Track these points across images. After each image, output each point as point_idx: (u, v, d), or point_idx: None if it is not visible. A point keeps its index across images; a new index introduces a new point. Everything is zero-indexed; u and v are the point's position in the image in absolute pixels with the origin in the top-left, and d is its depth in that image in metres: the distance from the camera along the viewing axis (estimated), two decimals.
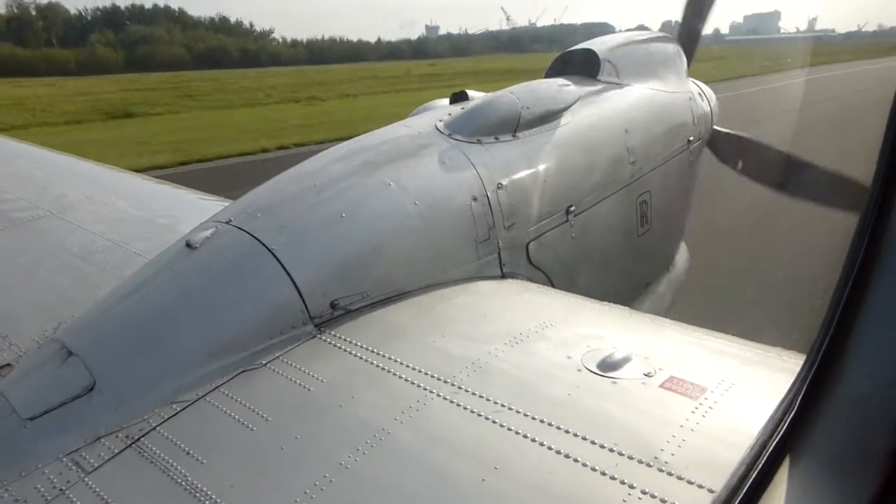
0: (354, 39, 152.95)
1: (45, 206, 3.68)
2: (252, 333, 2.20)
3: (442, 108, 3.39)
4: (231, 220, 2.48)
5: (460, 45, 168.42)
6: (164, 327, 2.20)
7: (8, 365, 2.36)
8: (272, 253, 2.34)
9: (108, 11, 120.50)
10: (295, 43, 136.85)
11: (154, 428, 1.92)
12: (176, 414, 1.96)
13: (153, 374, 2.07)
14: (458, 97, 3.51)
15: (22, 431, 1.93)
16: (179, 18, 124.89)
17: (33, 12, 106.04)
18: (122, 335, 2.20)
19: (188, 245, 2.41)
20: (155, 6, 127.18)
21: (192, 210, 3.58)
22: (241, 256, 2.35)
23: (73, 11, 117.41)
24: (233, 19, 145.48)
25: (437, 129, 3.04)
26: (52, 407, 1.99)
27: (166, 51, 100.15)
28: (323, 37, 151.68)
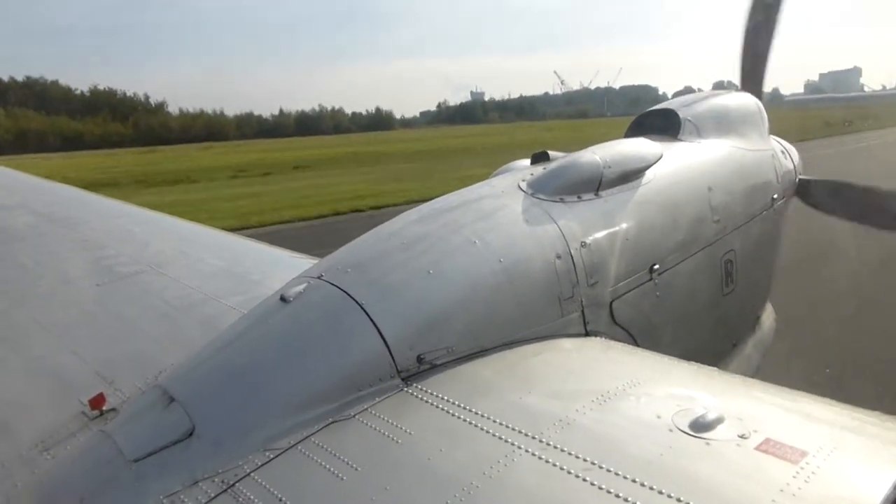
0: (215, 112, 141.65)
1: (145, 261, 3.91)
2: (341, 385, 2.25)
3: (523, 169, 3.45)
4: (322, 276, 2.57)
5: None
6: (260, 377, 2.28)
7: (113, 409, 2.49)
8: (362, 307, 2.40)
9: None
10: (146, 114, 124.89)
11: (248, 474, 1.97)
12: (269, 461, 2.02)
13: (248, 421, 2.14)
14: (539, 157, 3.58)
15: (127, 473, 2.02)
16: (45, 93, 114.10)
17: None
18: (219, 383, 2.30)
19: (282, 299, 2.51)
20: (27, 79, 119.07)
21: (282, 267, 3.73)
22: (332, 310, 2.43)
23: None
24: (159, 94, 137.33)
25: (520, 188, 3.09)
26: (154, 450, 2.08)
27: None
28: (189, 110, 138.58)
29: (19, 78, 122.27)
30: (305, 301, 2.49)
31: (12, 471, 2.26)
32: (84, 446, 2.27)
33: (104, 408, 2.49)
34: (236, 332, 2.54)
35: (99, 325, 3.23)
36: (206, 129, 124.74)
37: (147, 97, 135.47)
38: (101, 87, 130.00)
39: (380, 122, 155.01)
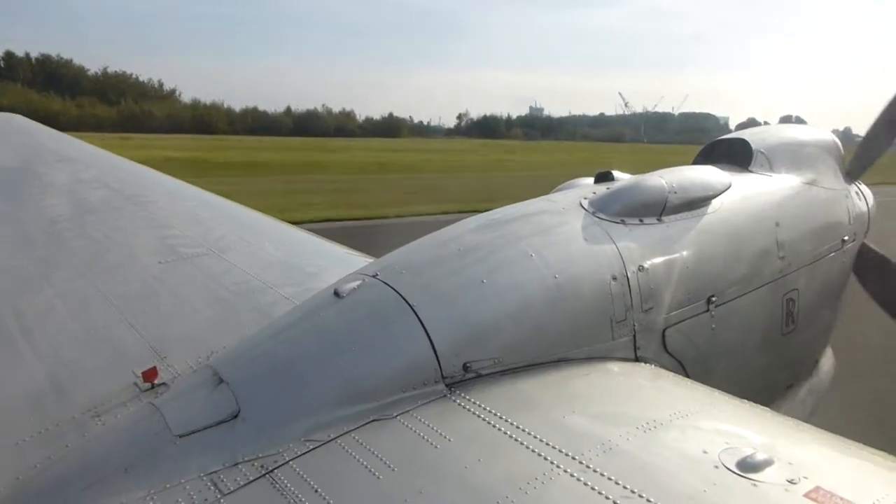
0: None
1: (208, 244, 4.02)
2: (386, 385, 2.26)
3: (586, 187, 3.42)
4: (377, 275, 2.60)
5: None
6: (307, 368, 2.31)
7: (164, 384, 2.56)
8: (413, 309, 2.41)
9: None
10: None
11: (287, 462, 2.00)
12: (309, 451, 2.04)
13: (292, 410, 2.17)
14: (603, 177, 3.54)
15: (172, 447, 2.08)
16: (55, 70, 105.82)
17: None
18: (268, 370, 2.34)
19: (336, 293, 2.54)
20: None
21: (337, 262, 3.79)
22: (384, 309, 2.45)
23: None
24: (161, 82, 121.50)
25: (582, 206, 3.06)
26: (199, 428, 2.13)
27: None
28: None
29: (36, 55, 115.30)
30: (358, 298, 2.51)
31: (64, 432, 2.35)
32: (133, 416, 2.34)
33: (156, 381, 2.56)
34: (288, 321, 2.58)
35: (158, 301, 3.33)
36: (194, 120, 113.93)
37: (161, 83, 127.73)
38: (111, 70, 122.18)
39: (389, 128, 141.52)
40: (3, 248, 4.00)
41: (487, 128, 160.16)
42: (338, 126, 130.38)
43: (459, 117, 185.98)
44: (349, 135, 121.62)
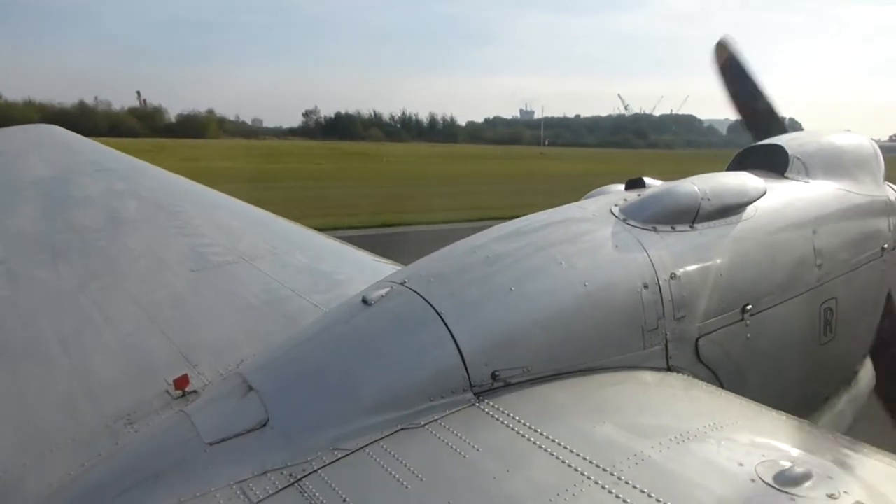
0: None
1: (238, 252, 4.07)
2: (414, 393, 2.25)
3: (617, 193, 3.38)
4: (406, 282, 2.59)
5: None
6: (335, 376, 2.31)
7: (195, 392, 2.59)
8: (441, 317, 2.40)
9: None
10: None
11: (316, 470, 2.00)
12: (337, 460, 2.04)
13: (320, 418, 2.17)
14: (634, 183, 3.49)
15: (202, 455, 2.09)
16: None
17: None
18: (296, 378, 2.34)
19: (364, 301, 2.54)
20: None
21: (366, 270, 3.80)
22: (412, 317, 2.44)
23: None
24: None
25: (613, 213, 3.02)
26: (229, 436, 2.13)
27: None
28: None
29: None
30: (386, 306, 2.51)
31: (97, 440, 2.38)
32: (164, 424, 2.36)
33: (187, 389, 2.59)
34: (316, 329, 2.59)
35: (189, 309, 3.37)
36: None
37: None
38: None
39: (196, 127, 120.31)
40: (39, 257, 4.09)
41: (340, 127, 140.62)
42: (113, 125, 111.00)
43: (306, 114, 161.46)
44: (125, 134, 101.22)
